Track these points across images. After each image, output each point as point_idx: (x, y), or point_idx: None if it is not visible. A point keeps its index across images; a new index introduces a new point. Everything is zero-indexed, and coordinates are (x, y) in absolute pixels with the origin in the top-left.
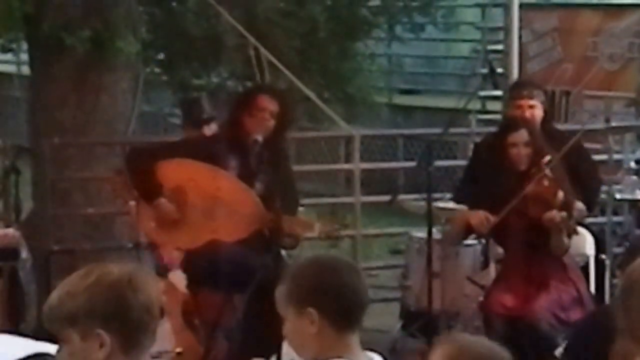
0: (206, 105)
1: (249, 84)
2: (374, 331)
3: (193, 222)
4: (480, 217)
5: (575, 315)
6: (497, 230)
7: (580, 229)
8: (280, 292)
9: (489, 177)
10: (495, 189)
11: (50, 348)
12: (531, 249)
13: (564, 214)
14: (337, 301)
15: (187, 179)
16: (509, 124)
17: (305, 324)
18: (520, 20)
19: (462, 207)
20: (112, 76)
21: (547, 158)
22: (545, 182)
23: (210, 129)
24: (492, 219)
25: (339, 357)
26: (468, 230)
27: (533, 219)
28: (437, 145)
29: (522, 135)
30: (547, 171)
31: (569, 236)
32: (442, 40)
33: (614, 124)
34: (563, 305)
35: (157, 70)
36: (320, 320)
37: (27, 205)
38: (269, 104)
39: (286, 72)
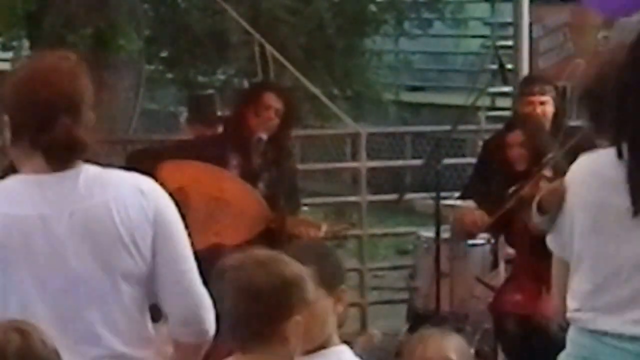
0: (217, 103)
1: (254, 81)
2: (381, 333)
3: (196, 224)
4: (473, 217)
5: None
6: (504, 230)
7: None
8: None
9: (491, 177)
10: (495, 190)
11: None
12: (540, 249)
13: None
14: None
15: (190, 180)
16: (507, 125)
17: (331, 305)
18: (531, 15)
19: (470, 204)
20: (114, 74)
21: (548, 157)
22: (542, 184)
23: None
24: (486, 219)
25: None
26: (464, 230)
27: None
28: (446, 142)
29: (516, 136)
30: (547, 171)
31: None
32: (450, 36)
33: None
34: None
35: (161, 67)
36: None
37: None
38: (275, 102)
39: (292, 69)
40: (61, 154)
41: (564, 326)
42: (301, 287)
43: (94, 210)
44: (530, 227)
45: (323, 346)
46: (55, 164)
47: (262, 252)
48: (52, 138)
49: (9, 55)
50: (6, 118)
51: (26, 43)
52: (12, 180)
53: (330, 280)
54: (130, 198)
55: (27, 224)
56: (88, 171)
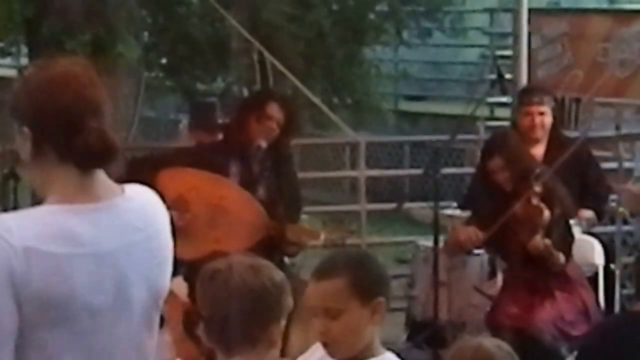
0: (219, 110)
1: (254, 89)
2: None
3: (196, 232)
4: (468, 233)
5: (580, 329)
6: (498, 246)
7: (589, 238)
8: (336, 286)
9: (482, 196)
10: (487, 209)
11: None
12: (533, 264)
13: (547, 241)
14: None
15: (189, 188)
16: (485, 151)
17: (367, 315)
18: (530, 25)
19: (465, 214)
20: (113, 81)
21: (535, 174)
22: (534, 201)
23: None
24: (481, 235)
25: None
26: (459, 246)
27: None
28: (444, 152)
29: (496, 162)
30: (537, 187)
31: (566, 256)
32: (449, 45)
33: (624, 131)
34: (567, 319)
35: (160, 75)
36: (385, 310)
37: None
38: (277, 113)
39: (291, 77)
40: (96, 160)
41: (557, 337)
42: (287, 292)
43: (147, 244)
44: (526, 243)
45: (369, 355)
46: (90, 171)
47: (249, 258)
48: (85, 143)
49: (7, 61)
50: (26, 130)
51: (24, 49)
52: (48, 212)
53: (364, 290)
54: (166, 226)
55: (74, 263)
56: (131, 197)
